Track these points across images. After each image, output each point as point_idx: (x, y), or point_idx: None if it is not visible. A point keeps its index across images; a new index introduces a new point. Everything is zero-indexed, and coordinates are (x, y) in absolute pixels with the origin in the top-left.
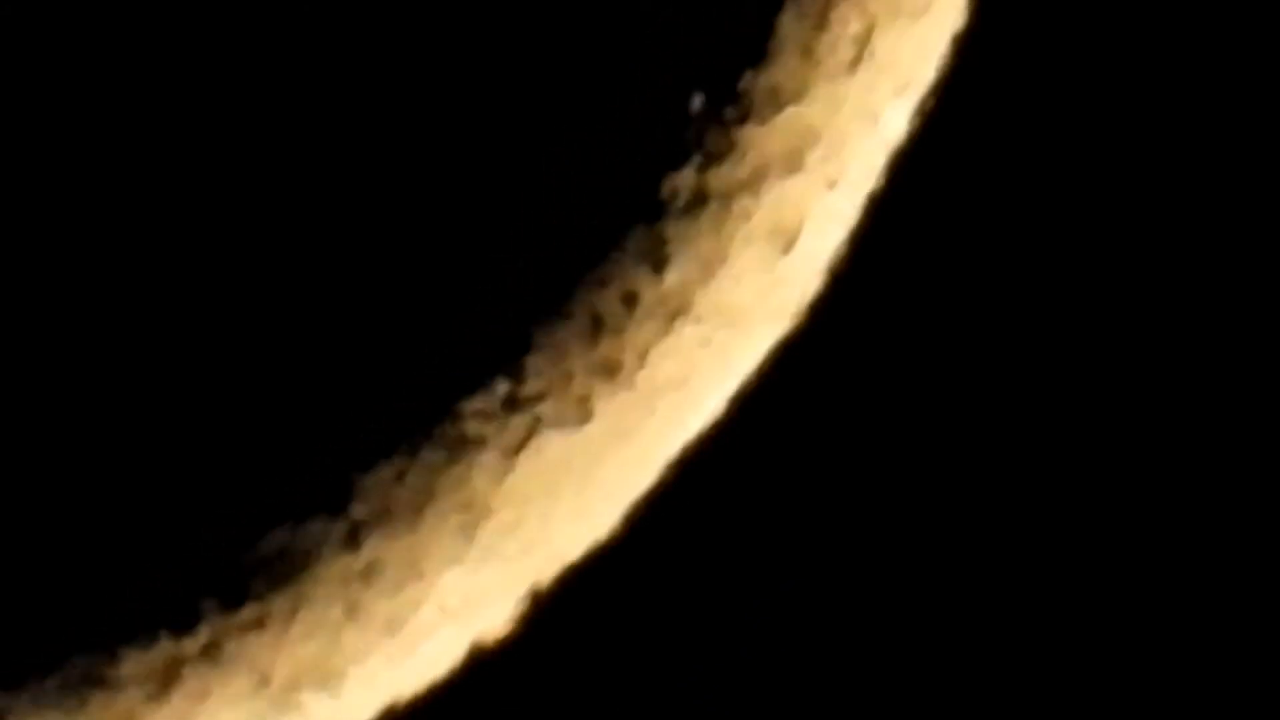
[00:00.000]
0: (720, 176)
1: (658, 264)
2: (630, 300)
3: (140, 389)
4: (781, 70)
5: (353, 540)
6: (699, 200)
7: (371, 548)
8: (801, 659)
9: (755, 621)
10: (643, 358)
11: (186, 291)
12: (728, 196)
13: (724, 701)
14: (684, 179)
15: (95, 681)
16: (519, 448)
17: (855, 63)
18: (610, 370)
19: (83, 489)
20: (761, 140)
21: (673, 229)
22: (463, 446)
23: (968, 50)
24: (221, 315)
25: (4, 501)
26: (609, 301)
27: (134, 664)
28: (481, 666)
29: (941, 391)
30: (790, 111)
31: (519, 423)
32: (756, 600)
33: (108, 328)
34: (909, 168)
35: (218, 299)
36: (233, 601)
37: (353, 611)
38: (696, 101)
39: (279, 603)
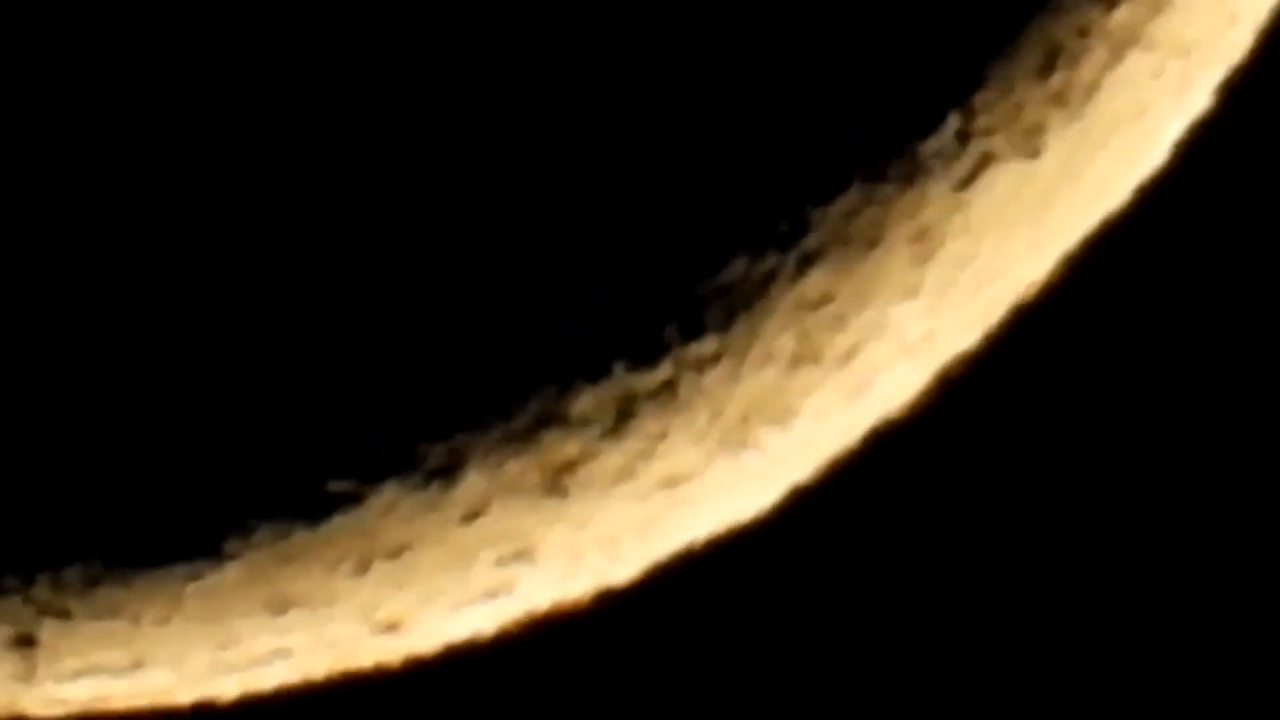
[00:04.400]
0: None
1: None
2: (1083, 33)
3: None
4: None
5: (806, 273)
6: None
7: (825, 281)
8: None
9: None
10: (1093, 90)
11: None
12: None
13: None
14: None
15: (550, 419)
16: (970, 181)
17: None
18: (1061, 103)
19: (527, 227)
20: None
21: None
22: (915, 180)
23: None
24: None
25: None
26: (1060, 35)
27: (590, 400)
28: (947, 398)
29: None
30: None
31: (970, 157)
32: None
33: None
34: None
35: None
36: (690, 334)
37: (806, 345)
38: None
39: (734, 337)
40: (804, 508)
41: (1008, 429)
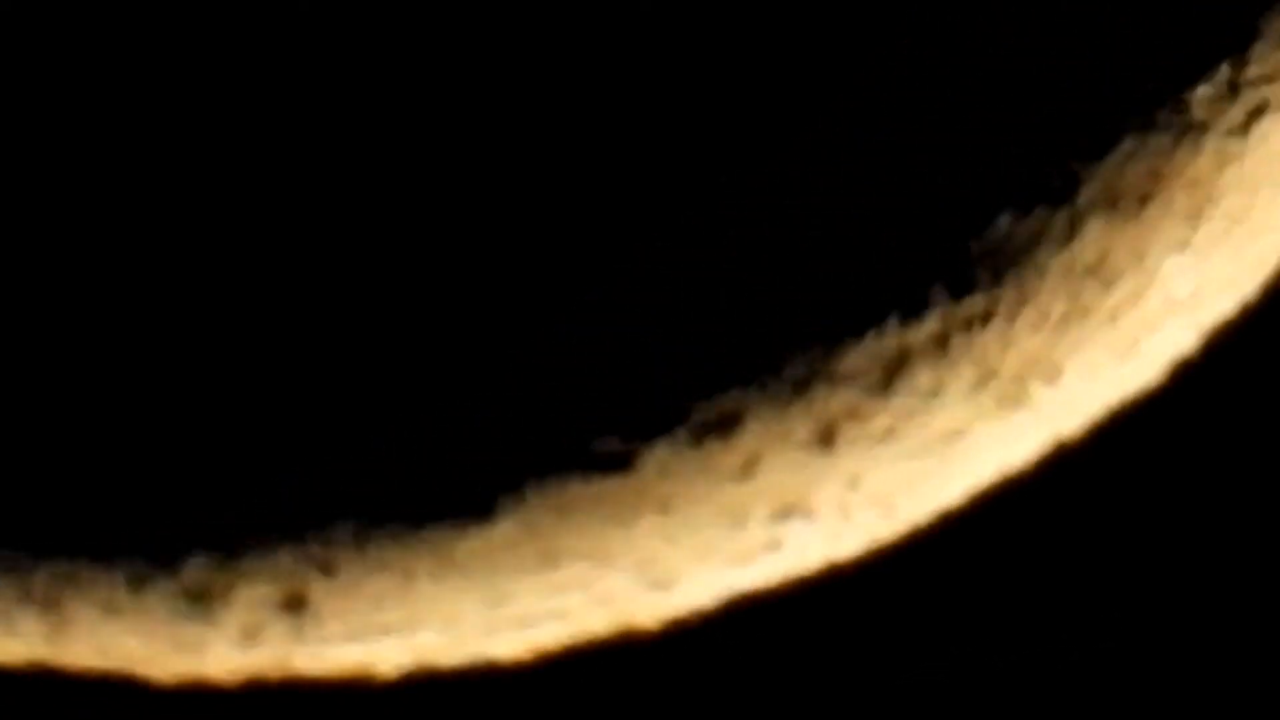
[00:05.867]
0: None
1: None
2: None
3: None
4: None
5: (1076, 229)
6: None
7: (1095, 236)
8: None
9: None
10: None
11: None
12: None
13: None
14: None
15: (820, 375)
16: (1242, 132)
17: None
18: None
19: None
20: None
21: None
22: (1188, 131)
23: None
24: None
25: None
26: None
27: (860, 356)
28: (1213, 357)
29: None
30: None
31: (1243, 107)
32: None
33: None
34: None
35: None
36: (960, 291)
37: (1075, 302)
38: None
39: (1004, 294)
40: (1070, 466)
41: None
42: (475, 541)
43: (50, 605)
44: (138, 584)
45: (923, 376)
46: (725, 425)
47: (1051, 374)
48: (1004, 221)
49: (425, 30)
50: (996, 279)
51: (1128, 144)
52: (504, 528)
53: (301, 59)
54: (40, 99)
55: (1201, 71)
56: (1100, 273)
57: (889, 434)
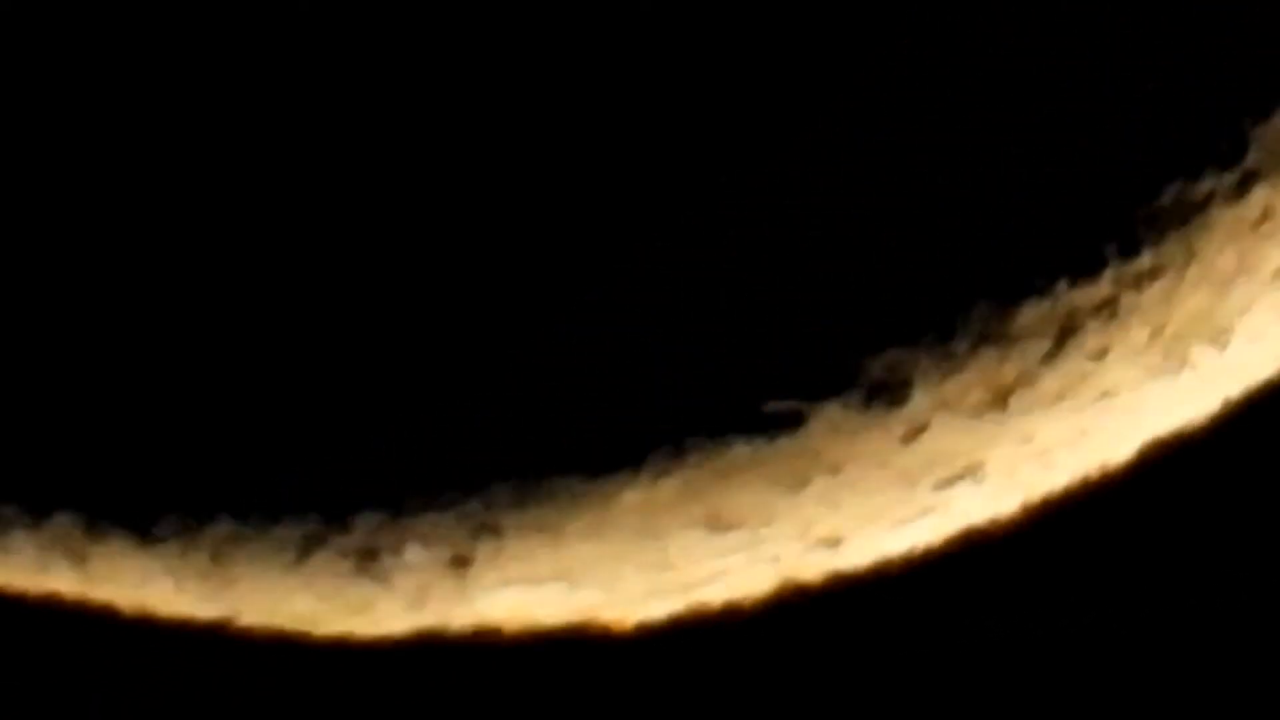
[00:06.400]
0: None
1: None
2: None
3: None
4: None
5: (1244, 190)
6: None
7: (1263, 199)
8: None
9: None
10: None
11: None
12: None
13: None
14: None
15: (992, 336)
16: None
17: None
18: None
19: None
20: None
21: None
22: None
23: None
24: None
25: None
26: None
27: (1032, 318)
28: None
29: None
30: None
31: None
32: None
33: None
34: None
35: None
36: (1130, 251)
37: (1243, 262)
38: None
39: (1172, 255)
40: (1236, 427)
41: None
42: (637, 501)
43: (218, 564)
44: (308, 544)
45: (1092, 337)
46: (894, 387)
47: (1217, 335)
48: (1174, 184)
49: (426, 31)
50: (1165, 240)
51: None
52: (666, 488)
53: (302, 59)
54: (40, 99)
55: None
56: (1268, 234)
57: (1060, 394)
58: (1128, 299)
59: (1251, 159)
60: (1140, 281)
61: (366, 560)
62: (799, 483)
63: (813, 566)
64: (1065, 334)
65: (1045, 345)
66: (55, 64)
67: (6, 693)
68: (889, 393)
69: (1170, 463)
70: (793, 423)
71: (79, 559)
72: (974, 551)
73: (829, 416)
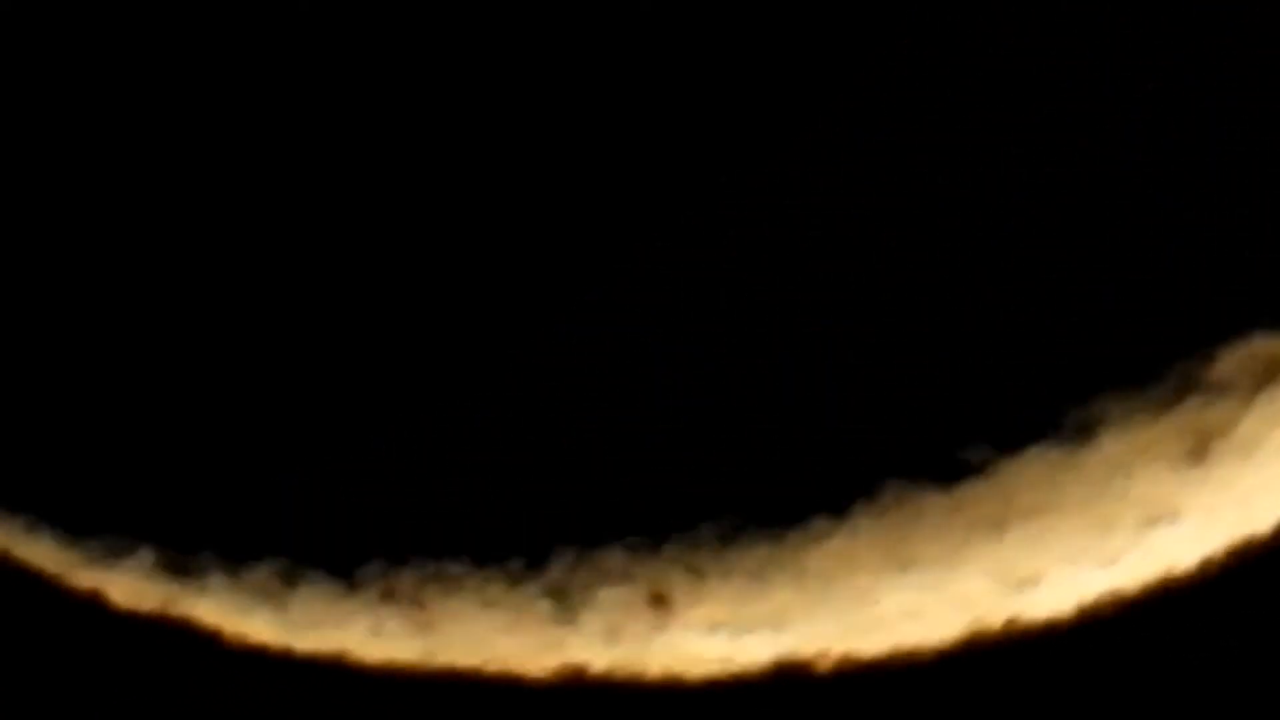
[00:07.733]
0: None
1: None
2: None
3: None
4: None
5: None
6: None
7: None
8: None
9: None
10: None
11: None
12: None
13: None
14: None
15: (1192, 384)
16: None
17: None
18: None
19: None
20: None
21: None
22: None
23: None
24: None
25: None
26: None
27: (1232, 365)
28: None
29: None
30: None
31: None
32: None
33: None
34: None
35: None
36: None
37: None
38: None
39: None
40: None
41: None
42: (832, 544)
43: (417, 605)
44: (509, 582)
45: None
46: (1092, 432)
47: None
48: None
49: (428, 31)
50: None
51: None
52: (861, 532)
53: (303, 59)
54: (41, 99)
55: None
56: None
57: (1259, 440)
58: None
59: None
60: None
61: (560, 597)
62: (994, 527)
63: (1010, 608)
64: (1265, 381)
65: (1244, 392)
66: (55, 64)
67: (20, 691)
68: (1087, 437)
69: None
70: (987, 468)
71: (279, 605)
72: (1174, 595)
73: (1025, 461)
